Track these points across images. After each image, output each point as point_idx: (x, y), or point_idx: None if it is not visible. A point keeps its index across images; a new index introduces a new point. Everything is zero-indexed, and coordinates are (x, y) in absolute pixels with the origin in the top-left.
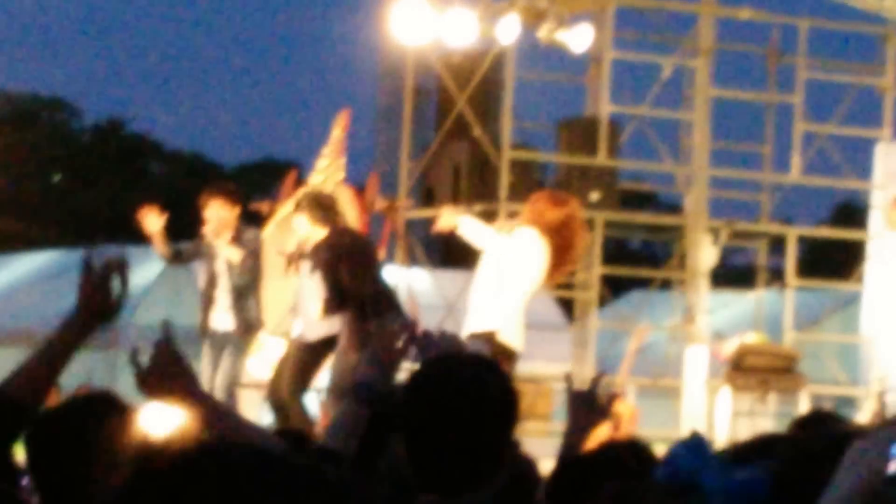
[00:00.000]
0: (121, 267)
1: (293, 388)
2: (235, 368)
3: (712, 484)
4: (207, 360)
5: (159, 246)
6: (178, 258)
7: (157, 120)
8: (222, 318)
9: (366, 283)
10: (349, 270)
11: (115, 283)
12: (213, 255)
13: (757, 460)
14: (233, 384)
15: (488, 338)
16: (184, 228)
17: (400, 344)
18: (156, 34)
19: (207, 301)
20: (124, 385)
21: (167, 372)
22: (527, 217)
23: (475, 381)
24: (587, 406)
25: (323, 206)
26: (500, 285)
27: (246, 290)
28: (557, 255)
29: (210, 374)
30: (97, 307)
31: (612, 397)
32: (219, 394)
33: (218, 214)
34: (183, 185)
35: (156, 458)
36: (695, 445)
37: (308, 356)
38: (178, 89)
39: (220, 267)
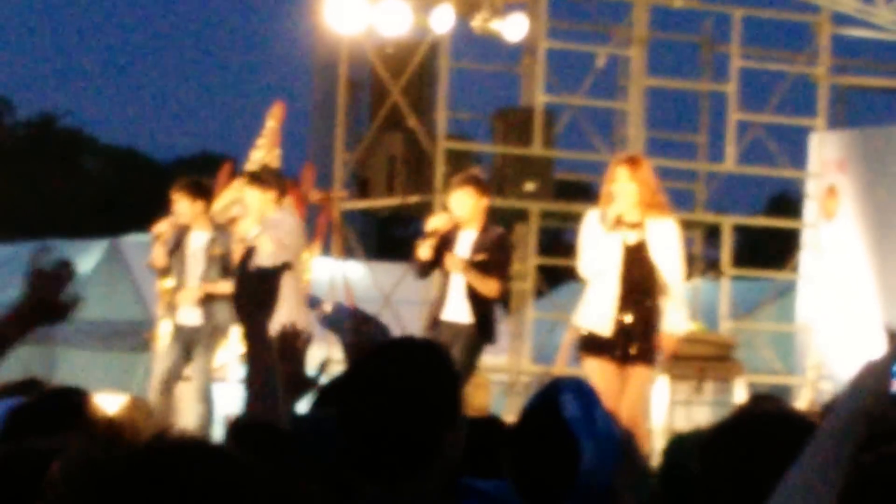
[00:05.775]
0: (67, 268)
1: None
2: (209, 368)
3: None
4: (169, 353)
5: (160, 257)
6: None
7: (91, 115)
8: (190, 314)
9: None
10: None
11: (66, 283)
12: (184, 245)
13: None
14: (208, 382)
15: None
16: (119, 223)
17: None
18: (88, 29)
19: (175, 295)
20: (62, 380)
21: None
22: (658, 204)
23: (416, 367)
24: None
25: (276, 179)
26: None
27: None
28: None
29: (168, 366)
30: (46, 305)
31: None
32: (195, 394)
33: (181, 209)
34: (117, 179)
35: (109, 453)
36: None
37: None
38: (112, 84)
39: (190, 262)
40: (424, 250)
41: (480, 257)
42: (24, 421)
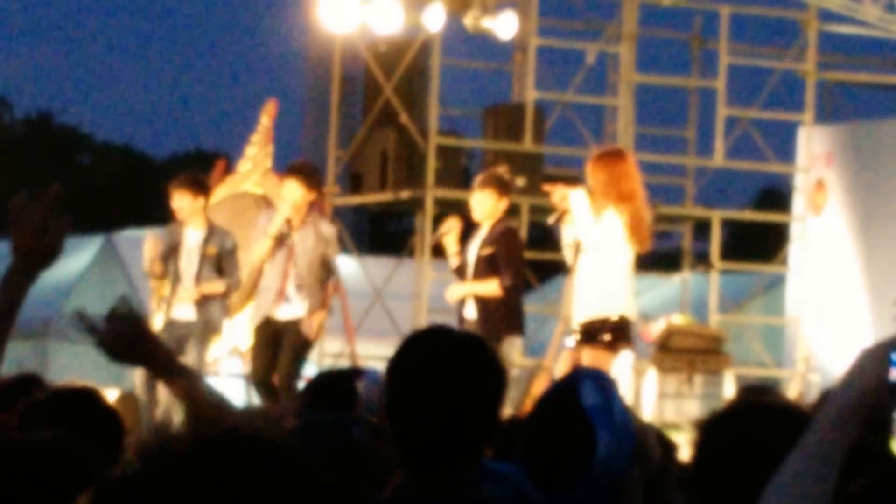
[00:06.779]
0: (55, 198)
1: (291, 376)
2: (202, 363)
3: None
4: None
5: (156, 266)
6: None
7: (87, 112)
8: (183, 309)
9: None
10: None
11: (52, 220)
12: (178, 243)
13: None
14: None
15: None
16: (114, 219)
17: None
18: (84, 27)
19: (171, 291)
20: (55, 374)
21: (130, 336)
22: (615, 197)
23: (462, 359)
24: None
25: (316, 172)
26: (605, 268)
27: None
28: (634, 221)
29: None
30: (34, 249)
31: None
32: None
33: (182, 205)
34: (112, 176)
35: (169, 444)
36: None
37: (303, 349)
38: (108, 82)
39: (184, 260)
40: (453, 261)
41: (486, 252)
42: (35, 419)
